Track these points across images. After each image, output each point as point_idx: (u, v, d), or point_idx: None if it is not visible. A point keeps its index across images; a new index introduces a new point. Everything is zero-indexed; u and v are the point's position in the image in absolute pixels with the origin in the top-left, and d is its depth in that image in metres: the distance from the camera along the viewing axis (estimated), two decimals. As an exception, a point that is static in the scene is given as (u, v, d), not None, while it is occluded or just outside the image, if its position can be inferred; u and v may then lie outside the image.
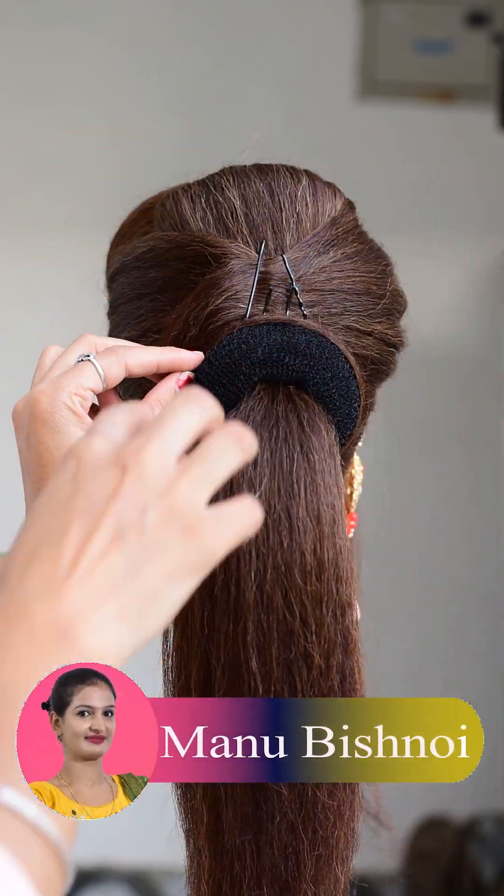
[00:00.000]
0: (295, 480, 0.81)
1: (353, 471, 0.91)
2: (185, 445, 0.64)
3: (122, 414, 0.66)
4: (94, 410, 0.85)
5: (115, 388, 0.87)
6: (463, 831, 2.93)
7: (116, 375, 0.83)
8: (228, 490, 0.81)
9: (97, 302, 0.96)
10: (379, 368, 0.89)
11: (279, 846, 0.82)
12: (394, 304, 0.90)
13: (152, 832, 0.85)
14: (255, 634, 0.80)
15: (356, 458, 0.92)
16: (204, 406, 0.66)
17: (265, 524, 0.80)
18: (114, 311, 0.92)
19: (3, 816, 0.55)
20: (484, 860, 2.88)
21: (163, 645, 0.84)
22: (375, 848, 0.93)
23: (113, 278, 0.92)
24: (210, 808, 0.82)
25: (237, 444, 0.65)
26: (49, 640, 0.59)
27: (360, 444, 0.90)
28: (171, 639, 0.83)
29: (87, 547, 0.61)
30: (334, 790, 0.82)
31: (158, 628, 0.62)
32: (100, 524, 0.62)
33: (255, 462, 0.81)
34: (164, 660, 0.84)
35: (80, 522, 0.62)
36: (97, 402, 0.87)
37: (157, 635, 0.63)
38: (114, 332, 0.91)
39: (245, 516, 0.64)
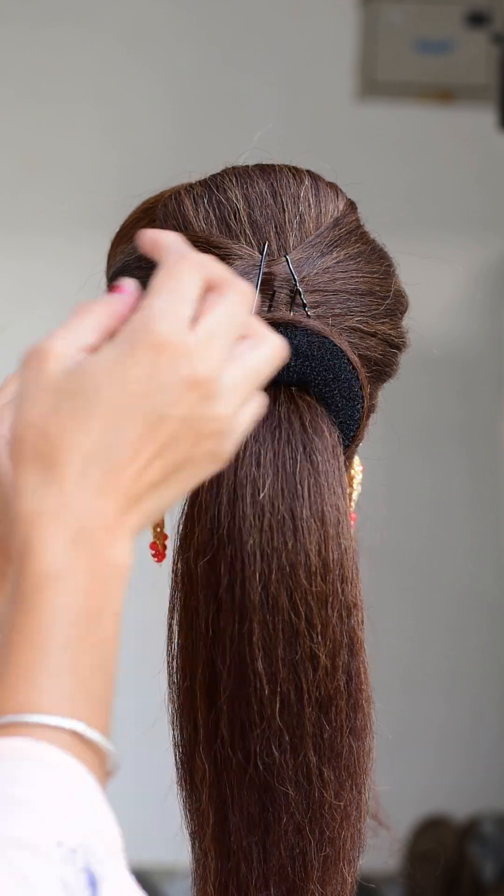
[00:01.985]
0: (298, 482, 0.81)
1: (352, 471, 0.91)
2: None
3: (191, 288, 0.67)
4: None
5: None
6: (463, 831, 2.93)
7: None
8: (232, 490, 0.81)
9: (98, 302, 0.96)
10: (382, 370, 0.89)
11: (286, 847, 0.82)
12: (397, 305, 0.90)
13: (152, 832, 0.85)
14: (261, 635, 0.80)
15: (356, 459, 0.92)
16: (203, 265, 0.69)
17: (269, 525, 0.80)
18: (115, 311, 0.92)
19: (64, 736, 0.61)
20: (484, 860, 2.88)
21: (167, 646, 0.83)
22: (375, 848, 0.93)
23: (114, 278, 0.92)
24: (217, 810, 0.82)
25: (246, 307, 0.69)
26: (100, 565, 0.64)
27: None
28: (175, 641, 0.83)
29: (141, 475, 0.65)
30: (341, 791, 0.82)
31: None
32: (158, 454, 0.65)
33: (258, 462, 0.81)
34: (168, 661, 0.83)
35: (140, 440, 0.65)
36: None
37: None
38: (114, 333, 0.91)
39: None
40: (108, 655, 0.64)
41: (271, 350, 0.69)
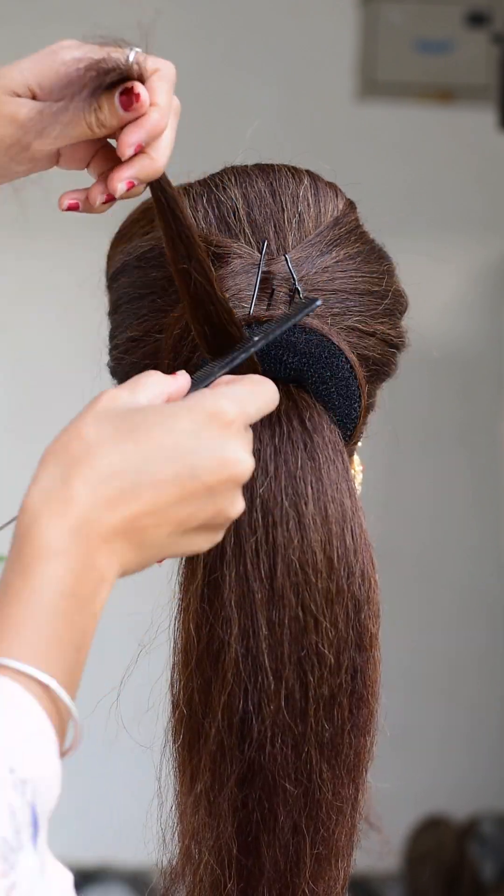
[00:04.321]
0: (300, 479, 0.81)
1: (353, 471, 0.91)
2: None
3: (265, 403, 0.76)
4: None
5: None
6: (463, 831, 2.93)
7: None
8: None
9: (97, 302, 0.96)
10: (380, 369, 0.89)
11: (281, 844, 0.82)
12: (395, 305, 0.90)
13: (152, 832, 0.85)
14: (268, 632, 0.80)
15: (356, 458, 0.92)
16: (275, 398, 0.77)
17: (274, 522, 0.80)
18: (115, 311, 0.92)
19: (37, 689, 0.65)
20: (484, 860, 2.88)
21: (171, 644, 0.83)
22: (370, 849, 0.93)
23: (114, 278, 0.92)
24: (215, 807, 0.81)
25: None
26: (91, 564, 0.68)
27: (359, 443, 0.90)
28: (179, 639, 0.83)
29: (153, 517, 0.69)
30: (339, 788, 0.82)
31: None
32: (175, 508, 0.70)
33: (259, 460, 0.81)
34: (172, 658, 0.83)
35: (167, 486, 0.69)
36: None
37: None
38: (115, 333, 0.91)
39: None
40: (84, 642, 0.68)
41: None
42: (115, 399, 0.71)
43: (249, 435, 0.74)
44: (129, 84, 0.77)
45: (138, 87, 0.77)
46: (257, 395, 0.75)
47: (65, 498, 0.67)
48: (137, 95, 0.77)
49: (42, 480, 0.68)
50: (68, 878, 0.65)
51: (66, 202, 0.82)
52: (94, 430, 0.69)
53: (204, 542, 0.73)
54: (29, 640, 0.65)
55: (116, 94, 0.77)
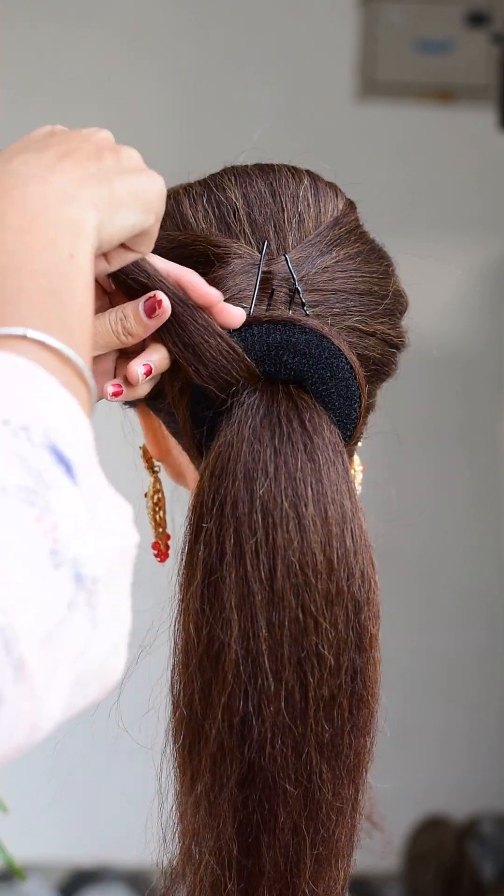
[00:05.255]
0: (300, 480, 0.81)
1: (353, 471, 0.91)
2: None
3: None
4: None
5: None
6: (463, 831, 2.93)
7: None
8: (234, 488, 0.81)
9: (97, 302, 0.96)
10: (381, 369, 0.89)
11: (281, 845, 0.82)
12: (395, 305, 0.90)
13: (152, 832, 0.85)
14: (268, 633, 0.80)
15: (356, 458, 0.92)
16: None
17: (274, 523, 0.80)
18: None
19: (33, 348, 0.64)
20: (484, 860, 2.88)
21: (172, 644, 0.83)
22: (372, 848, 0.93)
23: (114, 278, 0.92)
24: (215, 808, 0.81)
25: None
26: (55, 201, 0.70)
27: (359, 444, 0.90)
28: (179, 639, 0.83)
29: (70, 154, 0.73)
30: (339, 789, 0.82)
31: (117, 234, 0.75)
32: (79, 146, 0.74)
33: (258, 461, 0.81)
34: (172, 658, 0.83)
35: (60, 143, 0.74)
36: None
37: (115, 240, 0.75)
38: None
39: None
40: (64, 285, 0.67)
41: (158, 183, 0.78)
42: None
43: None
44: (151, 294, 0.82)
45: (160, 295, 0.82)
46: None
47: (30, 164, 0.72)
48: (160, 302, 0.82)
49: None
50: (127, 511, 0.63)
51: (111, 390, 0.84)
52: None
53: (149, 178, 0.77)
54: None
55: (141, 303, 0.82)
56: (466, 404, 3.02)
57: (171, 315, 0.82)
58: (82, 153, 0.74)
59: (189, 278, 0.83)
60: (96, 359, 0.83)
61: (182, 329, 0.82)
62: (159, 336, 0.82)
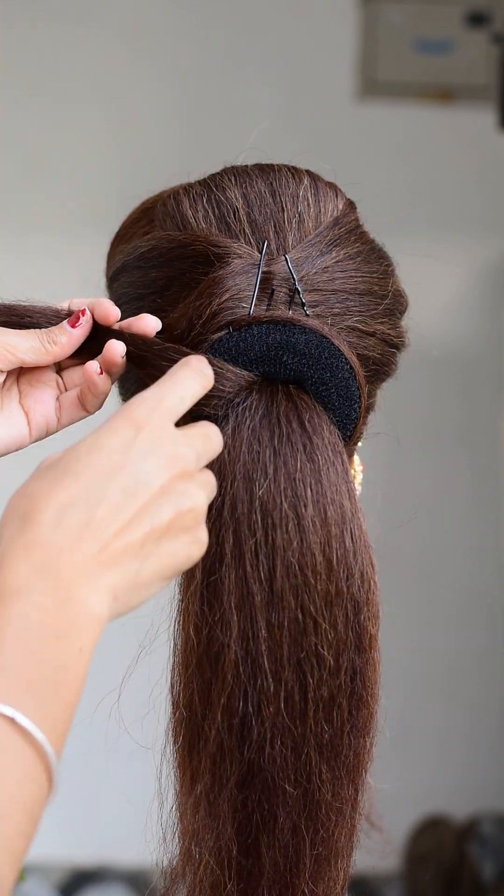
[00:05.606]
0: (300, 481, 0.81)
1: (353, 471, 0.91)
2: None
3: (185, 387, 0.77)
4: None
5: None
6: (463, 831, 2.93)
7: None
8: (233, 489, 0.81)
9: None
10: (380, 369, 0.89)
11: (281, 845, 0.82)
12: (395, 305, 0.90)
13: (152, 832, 0.85)
14: (267, 634, 0.80)
15: (356, 459, 0.92)
16: (204, 374, 0.78)
17: (273, 524, 0.80)
18: (115, 311, 0.92)
19: (8, 728, 0.64)
20: (484, 860, 2.88)
21: (171, 645, 0.83)
22: (371, 849, 0.93)
23: (114, 278, 0.92)
24: (215, 809, 0.81)
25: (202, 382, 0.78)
26: (66, 597, 0.68)
27: (359, 444, 0.90)
28: (179, 640, 0.83)
29: (121, 534, 0.70)
30: (338, 789, 0.82)
31: (132, 609, 0.72)
32: (138, 517, 0.70)
33: (258, 461, 0.81)
34: (172, 659, 0.83)
35: (120, 501, 0.70)
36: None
37: (126, 614, 0.73)
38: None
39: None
40: (65, 678, 0.67)
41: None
42: (51, 458, 0.73)
43: (174, 429, 0.75)
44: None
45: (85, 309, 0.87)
46: (168, 390, 0.76)
47: (25, 543, 0.69)
48: (83, 311, 0.86)
49: (2, 537, 0.70)
50: None
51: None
52: (36, 484, 0.71)
53: (188, 546, 0.74)
54: None
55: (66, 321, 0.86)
56: (466, 404, 3.01)
57: (136, 356, 0.83)
58: (134, 533, 0.71)
59: (98, 300, 0.86)
60: (35, 371, 0.87)
61: (150, 366, 0.83)
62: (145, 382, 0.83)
